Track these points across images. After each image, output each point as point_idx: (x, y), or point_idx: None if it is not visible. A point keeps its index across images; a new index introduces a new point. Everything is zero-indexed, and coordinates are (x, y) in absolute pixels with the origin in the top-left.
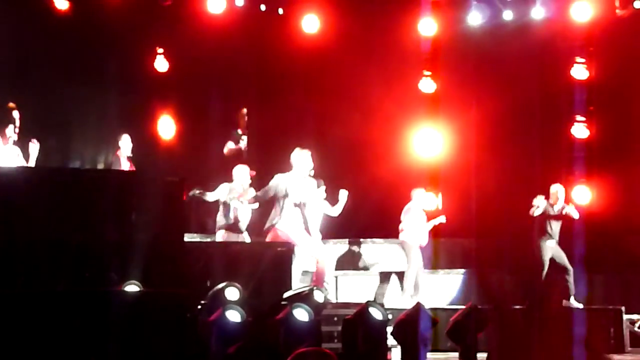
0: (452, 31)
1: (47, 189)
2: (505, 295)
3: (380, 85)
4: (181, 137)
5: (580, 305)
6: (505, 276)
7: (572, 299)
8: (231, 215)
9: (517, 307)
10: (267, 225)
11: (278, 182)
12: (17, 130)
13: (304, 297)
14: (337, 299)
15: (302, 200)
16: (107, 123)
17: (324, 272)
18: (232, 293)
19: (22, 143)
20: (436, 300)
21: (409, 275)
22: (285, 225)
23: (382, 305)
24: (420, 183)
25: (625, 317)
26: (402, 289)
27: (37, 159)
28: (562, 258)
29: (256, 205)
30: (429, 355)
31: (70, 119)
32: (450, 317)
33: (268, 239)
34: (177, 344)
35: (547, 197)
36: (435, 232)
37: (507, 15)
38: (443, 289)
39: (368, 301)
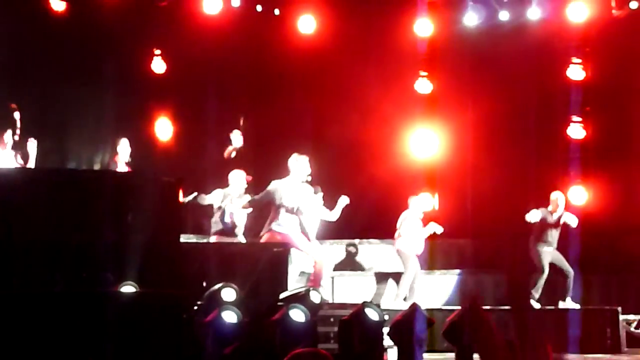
0: (448, 32)
1: (43, 190)
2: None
3: (376, 86)
4: (178, 138)
5: (577, 306)
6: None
7: (568, 299)
8: (226, 220)
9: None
10: (265, 228)
11: (274, 188)
12: (18, 131)
13: (300, 298)
14: (333, 299)
15: (298, 206)
16: (104, 124)
17: (321, 273)
18: (229, 294)
19: (21, 144)
20: (432, 301)
21: (405, 280)
22: (282, 228)
23: (378, 306)
24: (417, 184)
25: (621, 317)
26: (396, 293)
27: (36, 159)
28: (562, 262)
29: (250, 209)
30: (425, 355)
31: (67, 120)
32: (447, 318)
33: (264, 240)
34: (174, 345)
35: (546, 203)
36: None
37: (503, 15)
38: (439, 290)
39: (364, 302)
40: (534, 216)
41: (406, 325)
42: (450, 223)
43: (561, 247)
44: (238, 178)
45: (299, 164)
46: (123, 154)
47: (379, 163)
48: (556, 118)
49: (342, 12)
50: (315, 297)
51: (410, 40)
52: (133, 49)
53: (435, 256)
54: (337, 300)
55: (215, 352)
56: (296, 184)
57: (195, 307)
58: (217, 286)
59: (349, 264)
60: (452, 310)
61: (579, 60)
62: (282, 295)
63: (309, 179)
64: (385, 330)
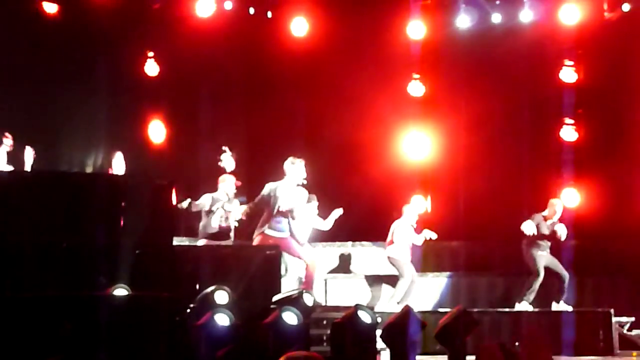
0: (440, 34)
1: (36, 193)
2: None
3: (369, 88)
4: (171, 140)
5: (570, 308)
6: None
7: (561, 302)
8: (214, 224)
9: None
10: (257, 232)
11: (268, 190)
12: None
13: (293, 301)
14: (326, 302)
15: (291, 207)
16: (96, 127)
17: (313, 275)
18: (221, 296)
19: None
20: (425, 303)
21: (401, 285)
22: (274, 232)
23: (371, 308)
24: (410, 187)
25: (614, 319)
26: (392, 295)
27: (31, 167)
28: (557, 266)
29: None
30: (418, 358)
31: (59, 123)
32: (439, 320)
33: (256, 243)
34: (166, 348)
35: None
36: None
37: (496, 18)
38: (432, 292)
39: (357, 304)
40: (529, 228)
41: (399, 328)
42: (443, 225)
43: (554, 250)
44: (227, 182)
45: (295, 168)
46: (118, 169)
47: (372, 166)
48: (549, 120)
49: (334, 15)
50: (308, 299)
51: (403, 42)
52: (126, 51)
53: (428, 258)
54: (330, 303)
55: (208, 355)
56: (291, 186)
57: (188, 310)
58: (209, 289)
59: (342, 266)
60: (445, 313)
61: (572, 63)
62: (275, 298)
63: (305, 182)
64: (378, 332)
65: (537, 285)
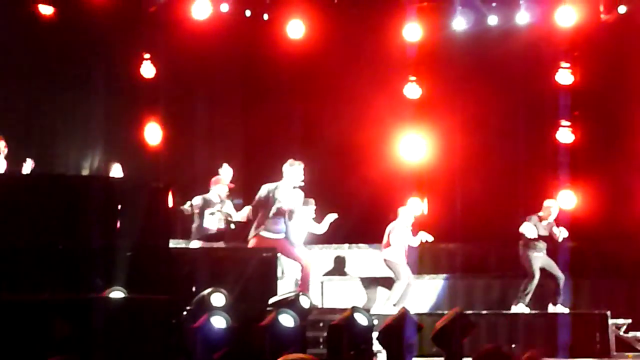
0: (437, 36)
1: (32, 195)
2: None
3: (365, 90)
4: (167, 142)
5: (566, 310)
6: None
7: (558, 304)
8: (212, 227)
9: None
10: (252, 233)
11: (266, 191)
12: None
13: (289, 303)
14: (322, 304)
15: (288, 207)
16: (92, 129)
17: (308, 277)
18: (218, 299)
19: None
20: (421, 306)
21: (398, 287)
22: (270, 234)
23: (367, 310)
24: (406, 189)
25: (610, 321)
26: (388, 297)
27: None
28: (553, 267)
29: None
30: None
31: (55, 125)
32: (436, 323)
33: (251, 245)
34: (162, 351)
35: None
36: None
37: (492, 20)
38: (428, 294)
39: (354, 307)
40: (530, 230)
41: (395, 330)
42: (439, 227)
43: (550, 252)
44: (219, 184)
45: (294, 170)
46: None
47: (368, 168)
48: (545, 122)
49: (330, 17)
50: (304, 302)
51: (399, 45)
52: (122, 53)
53: (424, 260)
54: (326, 305)
55: (204, 358)
56: (288, 188)
57: (185, 313)
58: (206, 291)
59: (338, 269)
60: (441, 315)
61: (568, 65)
62: (272, 300)
63: (302, 184)
64: (375, 335)
65: (533, 287)
